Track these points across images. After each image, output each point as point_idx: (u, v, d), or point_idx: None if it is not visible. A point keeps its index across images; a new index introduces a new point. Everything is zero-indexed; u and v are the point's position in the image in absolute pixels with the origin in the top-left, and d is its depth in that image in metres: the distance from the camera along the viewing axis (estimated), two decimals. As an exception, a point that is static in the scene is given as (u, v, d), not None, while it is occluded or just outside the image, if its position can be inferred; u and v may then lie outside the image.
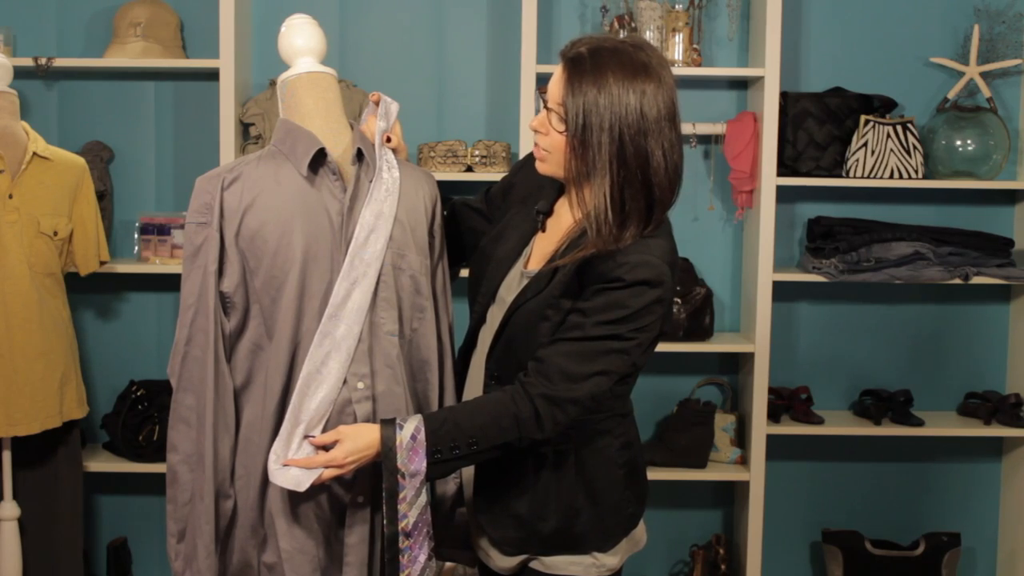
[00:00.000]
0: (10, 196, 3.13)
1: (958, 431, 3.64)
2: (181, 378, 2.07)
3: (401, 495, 1.92)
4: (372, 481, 2.08)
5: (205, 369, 2.04)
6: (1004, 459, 3.85)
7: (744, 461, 3.64)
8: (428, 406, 2.17)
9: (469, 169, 3.52)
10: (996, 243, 3.60)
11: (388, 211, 2.08)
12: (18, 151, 3.17)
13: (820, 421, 3.63)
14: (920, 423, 3.62)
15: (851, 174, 3.55)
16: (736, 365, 3.80)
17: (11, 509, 3.29)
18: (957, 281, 3.54)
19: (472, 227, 2.29)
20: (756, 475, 3.56)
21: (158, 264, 3.55)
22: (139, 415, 3.55)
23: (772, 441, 3.61)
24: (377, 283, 2.07)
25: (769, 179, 3.48)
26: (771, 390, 3.65)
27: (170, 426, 2.09)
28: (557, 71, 1.94)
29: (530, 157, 2.11)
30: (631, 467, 2.07)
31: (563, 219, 2.04)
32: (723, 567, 3.68)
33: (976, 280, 3.54)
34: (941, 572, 3.66)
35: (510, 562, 2.08)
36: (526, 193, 2.14)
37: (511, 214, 2.15)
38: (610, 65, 1.88)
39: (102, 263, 3.39)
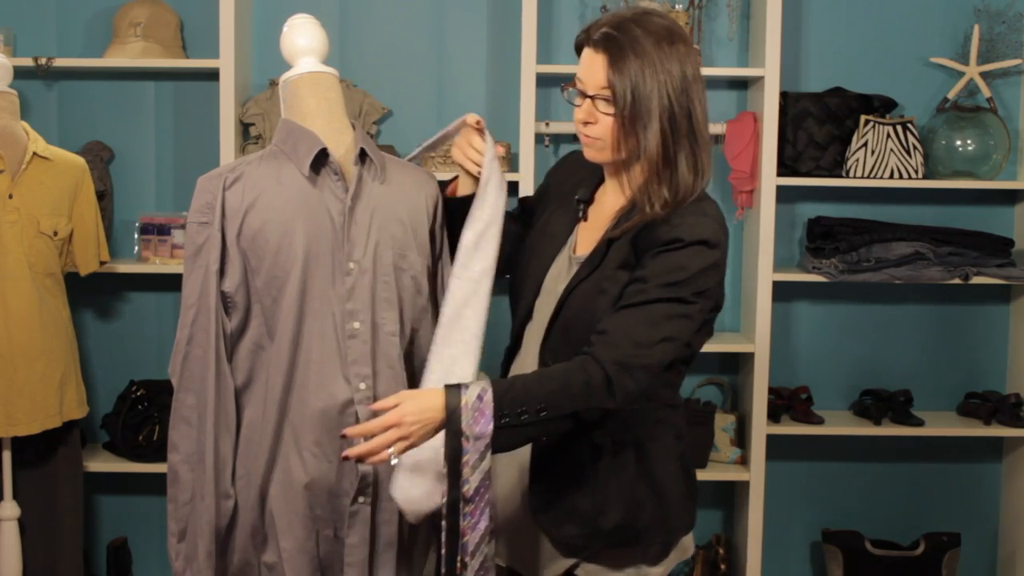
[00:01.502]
0: (10, 196, 3.13)
1: (958, 431, 3.63)
2: (182, 378, 2.08)
3: (464, 459, 1.82)
4: (373, 481, 2.08)
5: (206, 369, 2.05)
6: (1004, 459, 3.85)
7: (744, 461, 3.64)
8: (429, 406, 2.16)
9: (469, 169, 3.51)
10: (996, 243, 3.60)
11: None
12: (18, 151, 3.17)
13: (820, 421, 3.63)
14: (920, 423, 3.62)
15: (851, 174, 3.55)
16: (736, 365, 3.80)
17: (11, 509, 3.29)
18: (957, 281, 3.54)
19: (508, 231, 2.20)
20: (756, 475, 3.56)
21: (158, 264, 3.54)
22: (139, 415, 3.55)
23: (772, 441, 3.61)
24: (378, 283, 2.08)
25: (769, 179, 3.48)
26: (771, 390, 3.65)
27: (171, 426, 2.09)
28: (588, 57, 1.93)
29: (562, 160, 2.14)
30: (684, 460, 2.07)
31: (606, 206, 2.03)
32: (723, 567, 3.68)
33: (976, 280, 3.54)
34: (941, 572, 3.66)
35: (558, 569, 2.03)
36: (563, 192, 2.13)
37: (551, 210, 2.13)
38: (641, 36, 1.88)
39: (102, 263, 3.39)
